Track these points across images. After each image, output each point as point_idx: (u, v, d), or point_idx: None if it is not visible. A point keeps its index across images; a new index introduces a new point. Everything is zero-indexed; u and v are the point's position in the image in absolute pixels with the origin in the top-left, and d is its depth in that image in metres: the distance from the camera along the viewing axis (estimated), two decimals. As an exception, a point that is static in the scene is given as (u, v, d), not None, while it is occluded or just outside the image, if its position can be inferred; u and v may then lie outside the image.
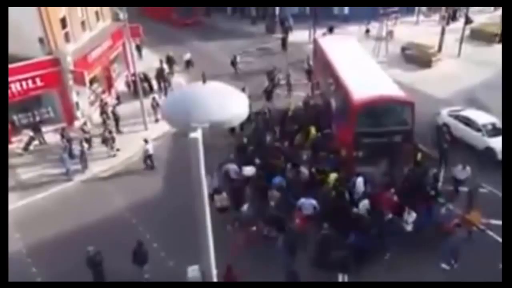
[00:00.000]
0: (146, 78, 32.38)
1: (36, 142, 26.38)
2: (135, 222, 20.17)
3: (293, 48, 38.74)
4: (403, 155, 20.66)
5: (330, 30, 39.83)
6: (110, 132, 25.87)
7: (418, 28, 42.33)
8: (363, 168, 20.16)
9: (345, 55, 25.81)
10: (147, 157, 24.36)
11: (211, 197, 18.28)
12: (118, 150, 25.75)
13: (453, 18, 37.78)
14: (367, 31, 39.97)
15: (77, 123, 27.42)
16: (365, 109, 20.70)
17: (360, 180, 19.36)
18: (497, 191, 20.05)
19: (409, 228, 17.76)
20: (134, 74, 29.75)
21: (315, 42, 31.09)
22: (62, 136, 25.60)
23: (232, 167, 20.99)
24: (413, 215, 17.66)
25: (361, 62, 25.34)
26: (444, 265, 17.16)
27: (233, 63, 34.93)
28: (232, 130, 24.77)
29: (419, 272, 16.78)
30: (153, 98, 28.95)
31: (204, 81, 6.28)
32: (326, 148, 22.34)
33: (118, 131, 27.38)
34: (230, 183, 20.57)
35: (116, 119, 27.81)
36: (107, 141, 25.50)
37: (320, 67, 28.15)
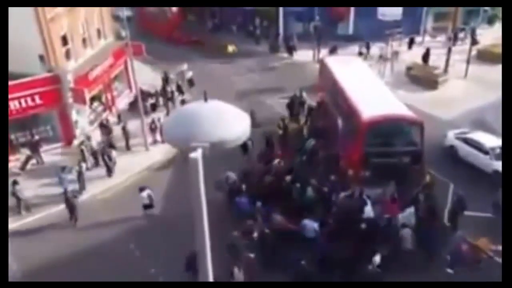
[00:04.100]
0: (150, 97, 31.95)
1: (33, 161, 25.79)
2: (132, 247, 19.60)
3: (298, 68, 38.53)
4: (412, 176, 20.17)
5: (333, 50, 39.43)
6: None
7: (423, 48, 41.96)
8: (369, 191, 19.61)
9: (352, 75, 25.60)
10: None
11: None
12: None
13: (455, 39, 37.24)
14: (360, 53, 38.42)
15: (76, 142, 26.91)
16: (373, 128, 20.42)
17: (368, 208, 18.78)
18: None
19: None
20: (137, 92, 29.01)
21: (321, 62, 30.76)
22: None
23: (231, 174, 21.52)
24: (377, 258, 16.52)
25: (368, 82, 25.15)
26: (449, 270, 17.17)
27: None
28: (245, 147, 23.69)
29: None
30: (152, 121, 28.05)
31: (205, 99, 6.01)
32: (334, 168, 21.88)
33: (128, 148, 27.39)
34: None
35: (126, 137, 27.44)
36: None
37: (326, 87, 27.75)
